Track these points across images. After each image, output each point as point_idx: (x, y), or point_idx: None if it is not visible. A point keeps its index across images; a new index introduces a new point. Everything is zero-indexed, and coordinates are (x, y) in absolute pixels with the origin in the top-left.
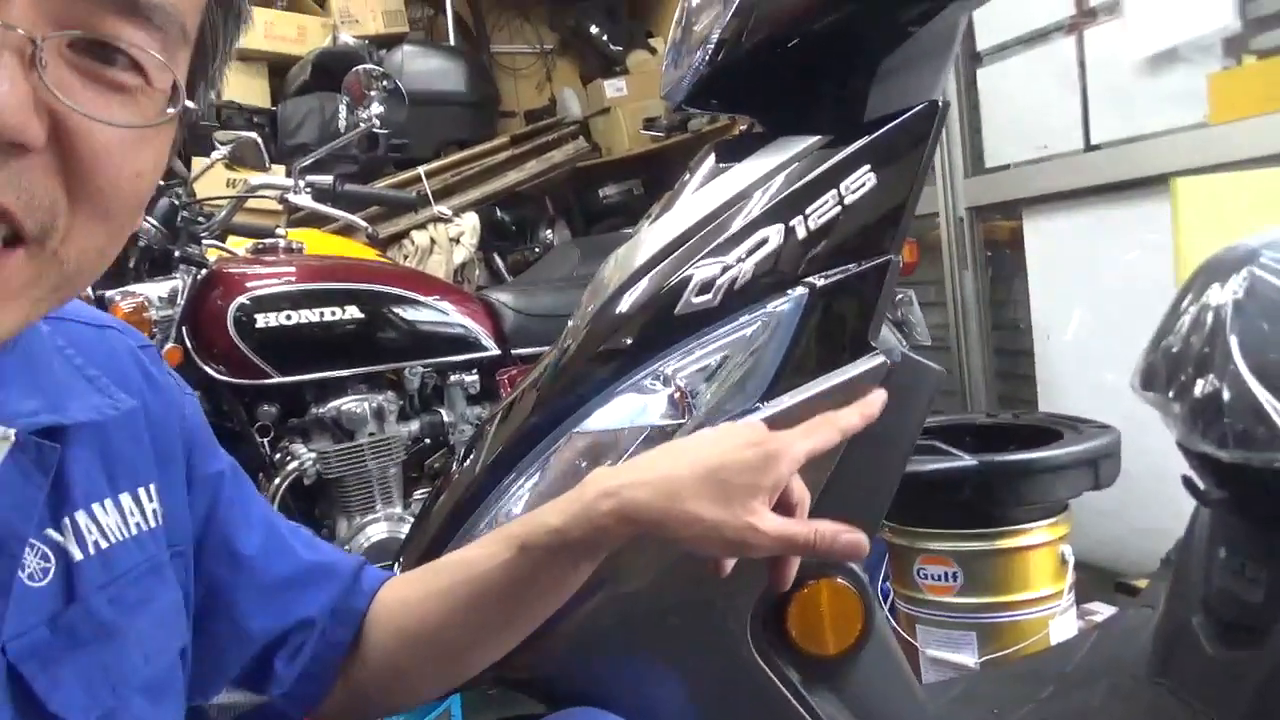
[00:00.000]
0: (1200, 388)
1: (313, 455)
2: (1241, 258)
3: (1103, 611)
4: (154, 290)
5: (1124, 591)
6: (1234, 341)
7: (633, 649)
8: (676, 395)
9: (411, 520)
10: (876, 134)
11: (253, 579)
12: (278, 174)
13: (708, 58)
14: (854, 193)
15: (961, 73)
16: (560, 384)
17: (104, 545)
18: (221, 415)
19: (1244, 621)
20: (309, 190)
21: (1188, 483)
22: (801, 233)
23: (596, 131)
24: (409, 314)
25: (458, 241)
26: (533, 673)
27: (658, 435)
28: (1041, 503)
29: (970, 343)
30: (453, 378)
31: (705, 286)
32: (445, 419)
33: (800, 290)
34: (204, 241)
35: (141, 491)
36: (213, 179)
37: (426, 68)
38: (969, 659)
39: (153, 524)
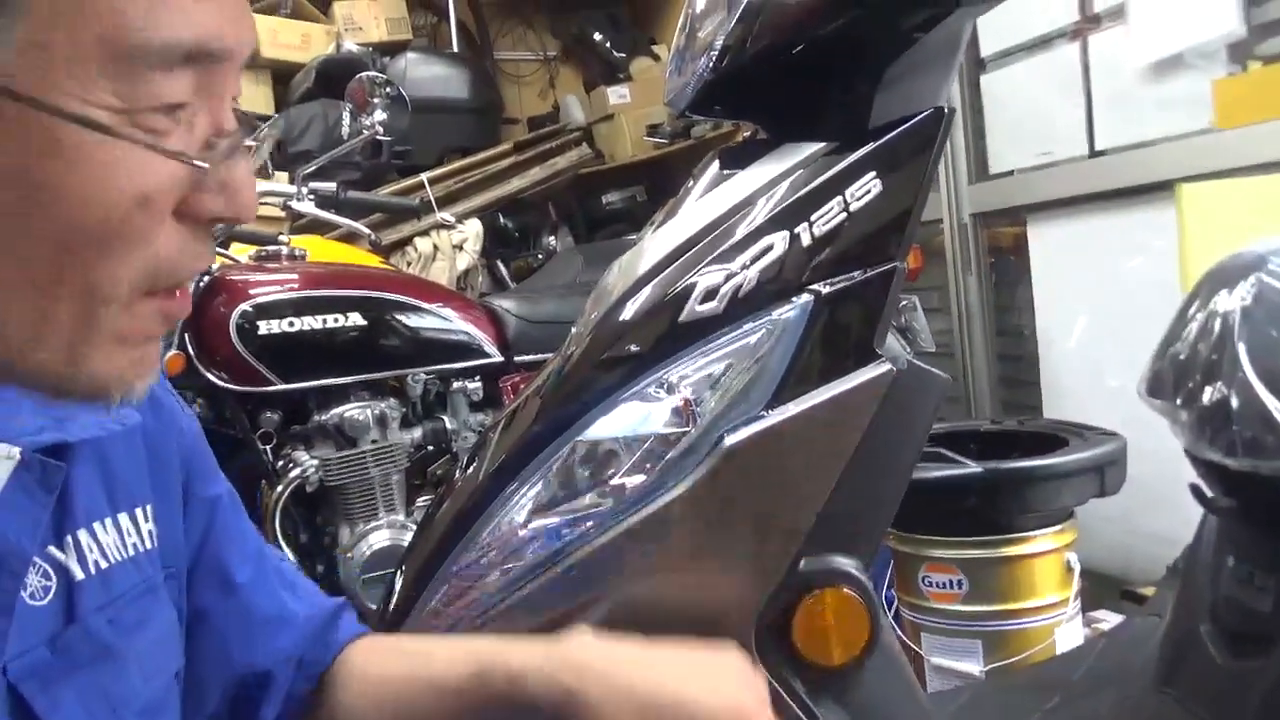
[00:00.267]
0: (1208, 395)
1: (315, 462)
2: (1249, 264)
3: (1109, 619)
4: None
5: (1131, 599)
6: (1242, 348)
7: None
8: (680, 403)
9: (414, 528)
10: (882, 140)
11: (240, 608)
12: (281, 181)
13: (712, 64)
14: (859, 199)
15: (966, 79)
16: (563, 392)
17: (104, 565)
18: (224, 422)
19: (1252, 630)
20: (312, 197)
21: (1195, 490)
22: (806, 240)
23: (600, 138)
24: (412, 321)
25: (461, 248)
26: None
27: (660, 444)
28: (1047, 510)
29: (974, 349)
30: (455, 385)
31: (709, 294)
32: (448, 426)
33: (805, 297)
34: None
35: (139, 512)
36: None
37: (430, 75)
38: (974, 667)
39: (148, 545)
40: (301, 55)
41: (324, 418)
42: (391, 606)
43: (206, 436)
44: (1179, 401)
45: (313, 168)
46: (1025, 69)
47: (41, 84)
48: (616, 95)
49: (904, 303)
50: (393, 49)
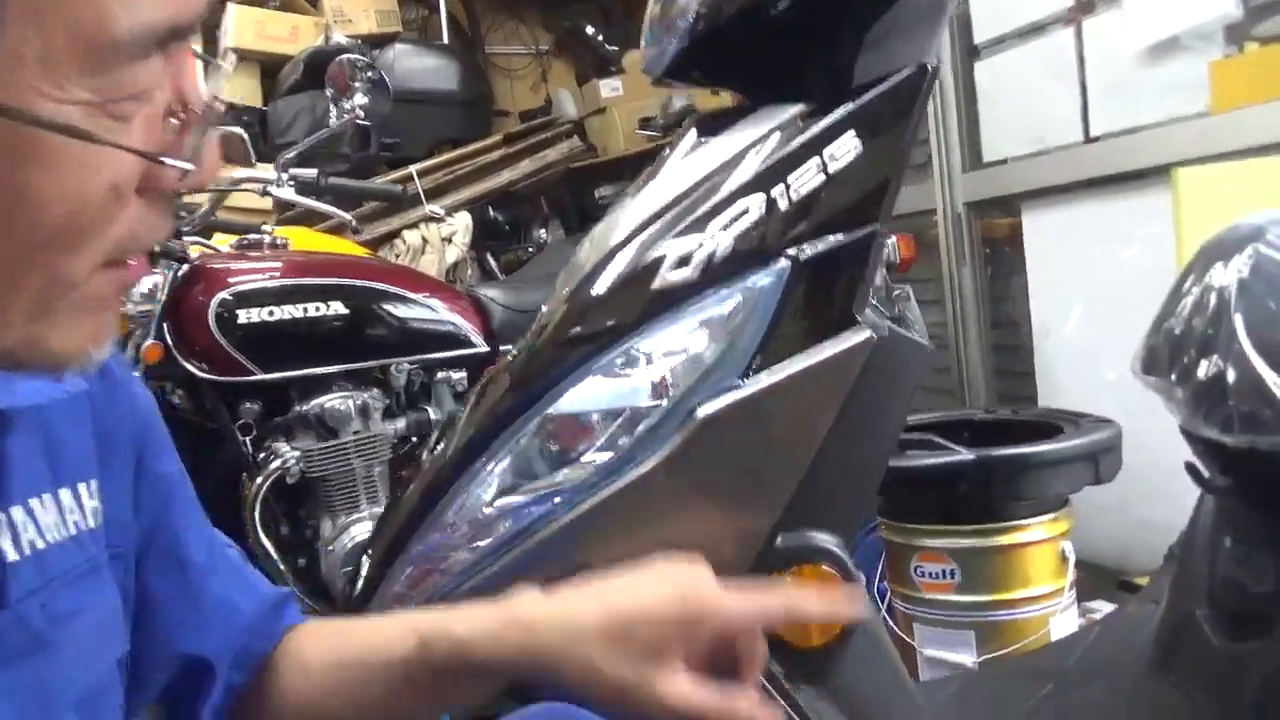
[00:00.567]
0: (1204, 370)
1: (296, 454)
2: (1246, 236)
3: (1105, 610)
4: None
5: (1127, 590)
6: (1239, 321)
7: None
8: (652, 375)
9: None
10: (862, 99)
11: (192, 591)
12: (265, 171)
13: (689, 27)
14: (838, 160)
15: (959, 67)
16: (534, 366)
17: (40, 545)
18: (203, 413)
19: (1251, 611)
20: (292, 183)
21: (1191, 469)
22: (783, 203)
23: (592, 131)
24: (395, 310)
25: (450, 241)
26: None
27: (631, 417)
28: (1041, 498)
29: (969, 340)
30: (440, 375)
31: (683, 260)
32: (432, 417)
33: (782, 263)
34: (187, 238)
35: (82, 488)
36: None
37: (418, 66)
38: (968, 658)
39: (92, 524)
40: (290, 48)
41: (305, 408)
42: (357, 591)
43: (186, 428)
44: (1174, 377)
45: (294, 153)
46: (1019, 55)
47: (14, 89)
48: (609, 88)
49: (897, 292)
50: (382, 42)
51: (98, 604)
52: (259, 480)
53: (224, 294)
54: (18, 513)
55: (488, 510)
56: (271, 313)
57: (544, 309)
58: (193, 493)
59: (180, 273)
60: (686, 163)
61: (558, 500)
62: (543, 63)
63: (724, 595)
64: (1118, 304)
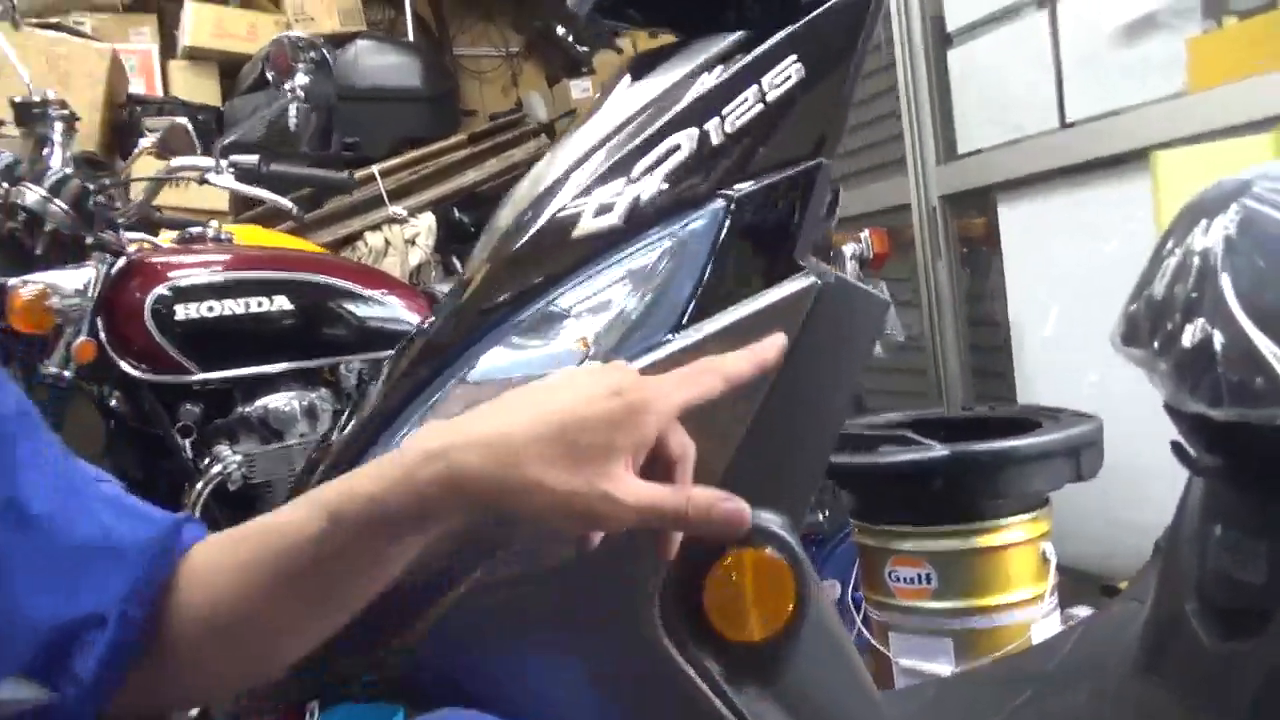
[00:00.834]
0: (1189, 336)
1: (238, 458)
2: (1230, 192)
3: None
4: (62, 278)
5: (1111, 595)
6: (1226, 281)
7: (519, 637)
8: (574, 332)
9: None
10: (803, 20)
11: (39, 545)
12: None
13: None
14: (778, 88)
15: (931, 56)
16: (449, 329)
17: None
18: (142, 417)
19: (1243, 606)
20: (232, 170)
21: (1177, 449)
22: (717, 138)
23: (562, 132)
24: (346, 306)
25: (413, 243)
26: (404, 671)
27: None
28: (1020, 496)
29: (945, 338)
30: None
31: (607, 206)
32: None
33: (716, 203)
34: (125, 232)
35: None
36: (144, 169)
37: (380, 63)
38: (945, 668)
39: None
40: (248, 46)
41: (248, 409)
42: None
43: (124, 432)
44: (1156, 347)
45: (231, 138)
46: (992, 41)
47: None
48: (579, 89)
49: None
50: (345, 41)
51: None
52: (199, 485)
53: (161, 289)
54: None
55: None
56: (212, 308)
57: (463, 273)
58: (38, 435)
59: (115, 267)
60: (613, 105)
61: None
62: (513, 65)
63: (655, 380)
64: (1098, 295)
